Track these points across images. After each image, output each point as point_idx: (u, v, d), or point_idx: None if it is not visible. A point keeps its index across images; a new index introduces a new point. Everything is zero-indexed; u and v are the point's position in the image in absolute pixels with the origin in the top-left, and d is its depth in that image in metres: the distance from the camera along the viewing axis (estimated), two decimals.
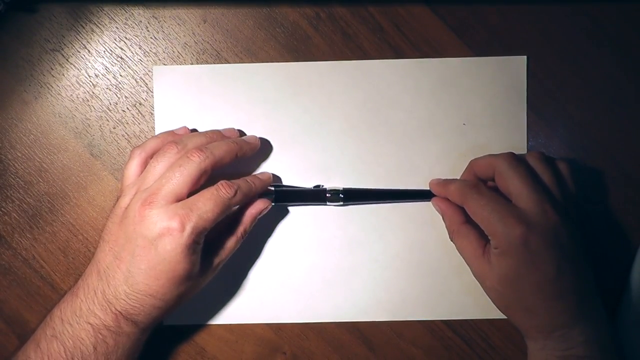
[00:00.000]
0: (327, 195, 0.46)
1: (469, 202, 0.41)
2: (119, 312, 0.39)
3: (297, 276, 0.47)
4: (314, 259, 0.47)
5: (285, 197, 0.46)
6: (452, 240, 0.44)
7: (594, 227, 0.47)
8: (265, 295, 0.47)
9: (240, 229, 0.43)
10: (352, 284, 0.47)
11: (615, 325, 0.46)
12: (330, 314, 0.47)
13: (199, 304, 0.47)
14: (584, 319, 0.39)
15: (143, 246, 0.38)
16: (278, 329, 0.47)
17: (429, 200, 0.46)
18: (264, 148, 0.46)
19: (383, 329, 0.47)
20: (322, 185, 0.46)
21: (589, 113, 0.47)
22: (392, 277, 0.47)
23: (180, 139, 0.43)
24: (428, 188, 0.46)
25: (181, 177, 0.39)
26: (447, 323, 0.47)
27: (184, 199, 0.39)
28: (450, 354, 0.47)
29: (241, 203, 0.42)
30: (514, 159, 0.41)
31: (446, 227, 0.45)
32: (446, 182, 0.45)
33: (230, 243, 0.43)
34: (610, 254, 0.47)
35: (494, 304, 0.42)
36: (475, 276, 0.42)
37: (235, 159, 0.43)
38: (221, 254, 0.43)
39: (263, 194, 0.44)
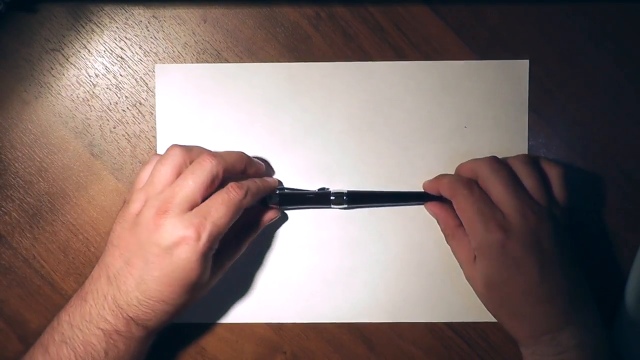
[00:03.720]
0: (332, 198, 0.45)
1: (458, 198, 0.41)
2: (131, 317, 0.39)
3: (297, 276, 0.47)
4: (315, 259, 0.47)
5: (290, 200, 0.46)
6: (448, 244, 0.44)
7: (593, 227, 0.47)
8: (265, 295, 0.47)
9: (252, 233, 0.44)
10: (352, 284, 0.47)
11: (613, 328, 0.46)
12: (330, 314, 0.47)
13: (199, 303, 0.47)
14: (575, 323, 0.39)
15: (157, 254, 0.38)
16: (278, 328, 0.48)
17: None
18: (264, 148, 0.46)
19: (383, 329, 0.47)
20: (327, 188, 0.46)
21: (589, 113, 0.47)
22: (392, 278, 0.47)
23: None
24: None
25: (194, 184, 0.39)
26: (448, 323, 0.47)
27: (198, 205, 0.39)
28: (450, 354, 0.47)
29: (250, 204, 0.42)
30: (496, 163, 0.41)
31: (441, 230, 0.45)
32: (439, 177, 0.44)
33: (240, 244, 0.44)
34: (610, 254, 0.47)
35: (486, 309, 0.42)
36: (467, 280, 0.42)
37: (245, 170, 0.43)
38: (231, 255, 0.43)
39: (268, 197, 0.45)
